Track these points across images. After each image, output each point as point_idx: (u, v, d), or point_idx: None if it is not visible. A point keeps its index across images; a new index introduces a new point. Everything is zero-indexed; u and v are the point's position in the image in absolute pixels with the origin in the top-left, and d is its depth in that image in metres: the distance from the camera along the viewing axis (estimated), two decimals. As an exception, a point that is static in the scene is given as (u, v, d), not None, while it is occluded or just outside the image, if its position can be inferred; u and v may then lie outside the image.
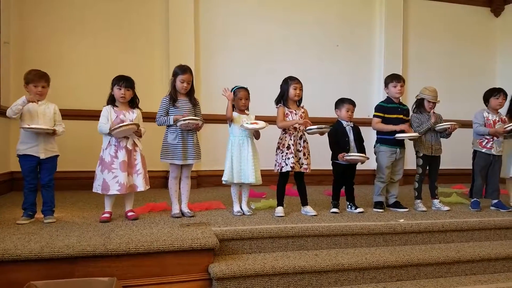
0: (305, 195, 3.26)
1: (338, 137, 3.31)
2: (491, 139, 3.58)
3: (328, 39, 5.30)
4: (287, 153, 3.11)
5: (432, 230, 3.04)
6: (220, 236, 2.58)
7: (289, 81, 3.21)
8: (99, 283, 2.13)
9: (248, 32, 4.99)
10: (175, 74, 3.01)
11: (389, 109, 3.48)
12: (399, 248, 2.90)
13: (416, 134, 3.42)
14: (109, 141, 2.87)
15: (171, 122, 2.93)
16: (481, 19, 5.97)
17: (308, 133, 3.17)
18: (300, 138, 3.19)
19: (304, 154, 3.17)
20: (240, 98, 3.13)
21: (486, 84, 4.41)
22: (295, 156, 3.12)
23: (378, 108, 3.52)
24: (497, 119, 3.64)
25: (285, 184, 3.19)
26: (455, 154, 4.72)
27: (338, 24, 5.34)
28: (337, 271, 2.55)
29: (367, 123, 5.18)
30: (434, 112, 3.52)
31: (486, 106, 3.72)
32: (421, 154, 3.54)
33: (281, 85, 3.26)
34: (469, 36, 5.90)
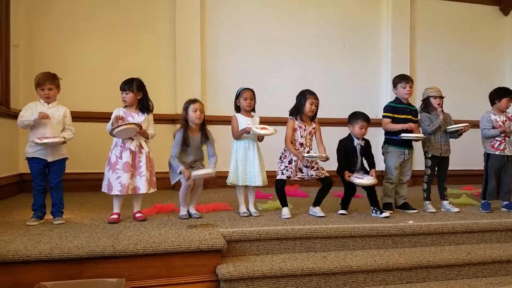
0: (320, 197, 3.19)
1: (347, 155, 3.24)
2: (503, 140, 3.53)
3: (334, 39, 5.28)
4: (286, 167, 3.10)
5: (442, 232, 3.00)
6: (227, 238, 2.57)
7: (306, 94, 3.14)
8: (108, 284, 2.14)
9: (254, 33, 4.99)
10: (187, 104, 2.98)
11: (399, 110, 3.46)
12: (409, 250, 2.87)
13: (421, 135, 3.38)
14: (116, 142, 2.89)
15: (178, 172, 2.90)
16: (489, 18, 5.91)
17: (307, 158, 3.07)
18: (308, 153, 3.13)
19: (312, 167, 3.12)
20: (245, 98, 3.12)
21: (495, 84, 4.35)
22: (298, 171, 3.11)
23: (388, 108, 3.49)
24: (505, 118, 3.59)
25: (282, 187, 3.14)
26: (464, 155, 4.67)
27: (345, 24, 5.32)
28: (346, 273, 2.53)
29: (374, 123, 5.17)
30: (442, 110, 3.49)
31: (493, 106, 3.66)
32: (430, 155, 3.51)
33: (297, 96, 3.21)
34: (478, 35, 5.84)
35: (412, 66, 5.49)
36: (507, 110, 3.66)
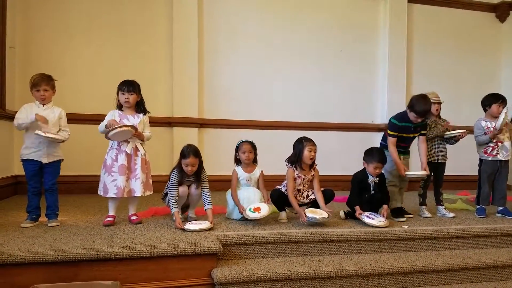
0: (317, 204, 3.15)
1: (361, 190, 3.19)
2: (496, 146, 3.56)
3: (331, 45, 5.30)
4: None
5: (437, 237, 3.01)
6: (223, 241, 2.57)
7: (304, 142, 3.08)
8: (103, 286, 2.13)
9: (252, 37, 5.00)
10: (181, 156, 2.91)
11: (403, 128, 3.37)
12: (404, 254, 2.88)
13: (425, 172, 3.31)
14: (112, 145, 2.88)
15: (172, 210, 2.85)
16: (486, 25, 5.96)
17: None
18: (307, 197, 3.14)
19: (308, 203, 3.13)
20: (243, 152, 3.08)
21: (491, 90, 4.37)
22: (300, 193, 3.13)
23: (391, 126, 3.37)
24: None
25: (279, 198, 3.10)
26: (460, 161, 4.69)
27: (342, 29, 5.34)
28: (341, 278, 2.53)
29: (370, 128, 5.20)
30: (440, 116, 3.52)
31: (485, 112, 3.68)
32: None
33: (294, 145, 3.14)
34: (474, 42, 5.89)
35: (409, 72, 5.52)
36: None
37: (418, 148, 3.44)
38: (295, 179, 3.09)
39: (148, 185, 2.96)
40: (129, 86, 2.90)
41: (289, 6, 5.16)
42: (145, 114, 3.00)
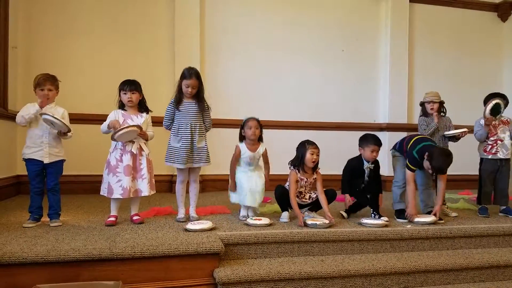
0: (318, 205, 3.15)
1: (353, 176, 3.21)
2: (495, 144, 3.55)
3: (333, 44, 5.30)
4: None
5: (439, 236, 3.01)
6: (225, 241, 2.56)
7: (306, 145, 3.09)
8: (105, 286, 2.13)
9: (254, 36, 5.00)
10: (181, 77, 2.97)
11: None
12: (406, 254, 2.87)
13: (433, 218, 3.12)
14: (115, 145, 2.88)
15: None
16: (487, 24, 5.94)
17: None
18: (309, 198, 3.15)
19: (310, 205, 3.16)
20: (250, 127, 3.05)
21: (493, 90, 4.36)
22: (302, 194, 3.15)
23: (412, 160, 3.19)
24: (497, 122, 3.59)
25: (282, 195, 3.11)
26: (462, 160, 4.66)
27: (343, 29, 5.34)
28: (344, 277, 2.53)
29: (371, 127, 5.20)
30: (437, 114, 3.54)
31: None
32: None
33: (297, 148, 3.15)
34: (476, 41, 5.87)
35: (410, 71, 5.51)
36: (502, 114, 3.67)
37: (436, 185, 3.34)
38: (297, 181, 3.08)
39: (152, 185, 2.96)
40: (131, 85, 2.90)
41: (291, 6, 5.15)
42: (147, 113, 3.00)
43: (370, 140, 3.18)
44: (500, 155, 3.53)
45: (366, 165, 3.19)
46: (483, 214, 3.51)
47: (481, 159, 3.65)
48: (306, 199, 3.15)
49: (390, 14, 5.38)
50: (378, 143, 3.18)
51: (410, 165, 3.18)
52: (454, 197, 4.44)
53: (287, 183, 3.14)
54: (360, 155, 3.24)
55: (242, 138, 3.14)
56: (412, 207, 3.14)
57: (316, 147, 3.09)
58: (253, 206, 3.06)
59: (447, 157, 3.03)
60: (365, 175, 3.20)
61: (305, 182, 3.12)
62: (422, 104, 3.69)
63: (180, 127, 2.96)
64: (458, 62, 5.76)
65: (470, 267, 2.77)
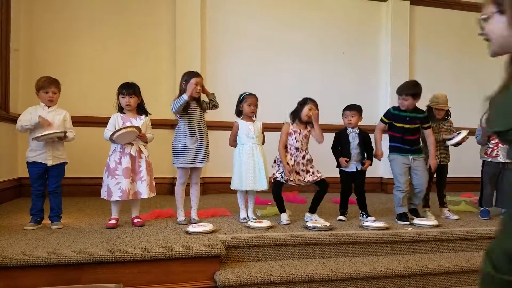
0: (316, 202, 3.17)
1: (340, 144, 3.36)
2: (495, 147, 3.54)
3: (334, 46, 5.30)
4: (283, 172, 3.08)
5: (441, 239, 3.00)
6: (226, 243, 2.56)
7: (308, 101, 3.18)
8: (106, 289, 2.13)
9: (255, 38, 5.01)
10: (187, 75, 3.01)
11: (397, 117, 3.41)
12: (408, 257, 2.86)
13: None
14: (115, 148, 2.88)
15: (184, 98, 2.91)
16: (488, 26, 5.94)
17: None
18: (303, 157, 3.14)
19: (307, 171, 3.13)
20: (249, 104, 3.12)
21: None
22: (297, 174, 3.11)
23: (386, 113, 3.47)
24: None
25: (279, 192, 3.11)
26: (463, 162, 4.67)
27: (344, 31, 5.34)
28: (345, 280, 2.52)
29: (372, 129, 5.19)
30: (442, 119, 3.55)
31: None
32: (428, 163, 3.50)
33: (299, 102, 3.23)
34: (476, 43, 5.84)
35: (411, 73, 5.50)
36: None
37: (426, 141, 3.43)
38: (290, 134, 3.14)
39: (152, 187, 2.96)
40: (129, 89, 2.91)
41: (292, 7, 5.16)
42: (146, 115, 3.01)
43: (345, 108, 3.40)
44: (500, 159, 3.53)
45: (349, 130, 3.34)
46: (484, 217, 3.50)
47: (483, 162, 3.65)
48: (300, 158, 3.10)
49: (391, 15, 5.38)
50: (350, 108, 3.36)
51: (383, 118, 3.42)
52: (455, 199, 4.43)
53: (278, 169, 3.12)
54: (345, 127, 3.43)
55: (239, 113, 3.18)
56: (377, 149, 3.37)
57: (316, 105, 3.20)
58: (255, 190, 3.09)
59: (410, 81, 3.43)
60: (351, 141, 3.32)
61: (299, 134, 3.15)
62: (429, 107, 3.60)
63: (192, 128, 3.00)
64: (460, 63, 5.75)
65: (472, 270, 2.76)
